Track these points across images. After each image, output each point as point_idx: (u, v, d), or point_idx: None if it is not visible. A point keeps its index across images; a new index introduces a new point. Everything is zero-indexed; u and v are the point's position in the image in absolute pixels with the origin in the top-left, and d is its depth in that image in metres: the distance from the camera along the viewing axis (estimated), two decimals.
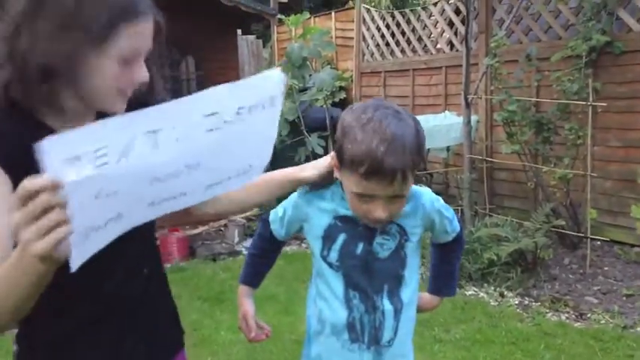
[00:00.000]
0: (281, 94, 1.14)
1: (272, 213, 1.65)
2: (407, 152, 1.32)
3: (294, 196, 1.59)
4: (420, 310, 1.69)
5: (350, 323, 1.51)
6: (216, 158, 1.07)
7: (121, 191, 0.93)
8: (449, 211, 1.60)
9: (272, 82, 1.11)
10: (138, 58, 1.13)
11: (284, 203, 1.61)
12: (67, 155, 0.82)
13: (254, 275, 1.71)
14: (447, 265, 1.73)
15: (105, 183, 0.89)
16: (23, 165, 0.89)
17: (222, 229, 6.02)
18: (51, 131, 0.95)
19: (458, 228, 1.64)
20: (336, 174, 1.45)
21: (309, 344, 1.61)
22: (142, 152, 0.92)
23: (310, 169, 1.49)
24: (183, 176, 1.03)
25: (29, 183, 0.81)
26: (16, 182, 0.89)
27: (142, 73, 1.14)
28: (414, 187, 1.54)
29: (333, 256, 1.51)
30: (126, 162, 0.90)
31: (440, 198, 1.59)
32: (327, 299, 1.54)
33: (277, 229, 1.64)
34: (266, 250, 1.70)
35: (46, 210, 0.81)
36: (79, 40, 1.06)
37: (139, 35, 1.11)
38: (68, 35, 1.05)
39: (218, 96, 1.01)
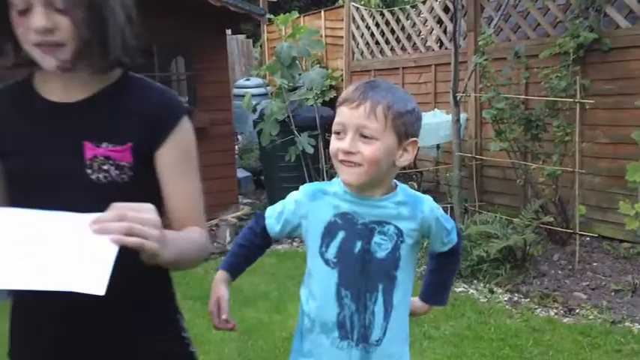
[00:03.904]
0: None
1: (269, 209, 1.66)
2: (382, 92, 1.45)
3: (294, 193, 1.60)
4: (409, 314, 1.71)
5: (340, 321, 1.53)
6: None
7: None
8: (449, 223, 1.62)
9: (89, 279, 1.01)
10: (30, 6, 1.13)
11: (284, 200, 1.63)
12: None
13: (236, 265, 1.67)
14: (439, 275, 1.76)
15: None
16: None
17: (213, 228, 6.01)
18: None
19: (455, 240, 1.65)
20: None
21: (300, 339, 1.62)
22: None
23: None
24: None
25: None
26: None
27: (33, 20, 1.14)
28: (415, 193, 1.57)
29: (332, 252, 1.52)
30: None
31: (440, 207, 1.60)
32: (319, 297, 1.55)
33: (272, 224, 1.63)
34: (253, 244, 1.68)
35: None
36: None
37: None
38: None
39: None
